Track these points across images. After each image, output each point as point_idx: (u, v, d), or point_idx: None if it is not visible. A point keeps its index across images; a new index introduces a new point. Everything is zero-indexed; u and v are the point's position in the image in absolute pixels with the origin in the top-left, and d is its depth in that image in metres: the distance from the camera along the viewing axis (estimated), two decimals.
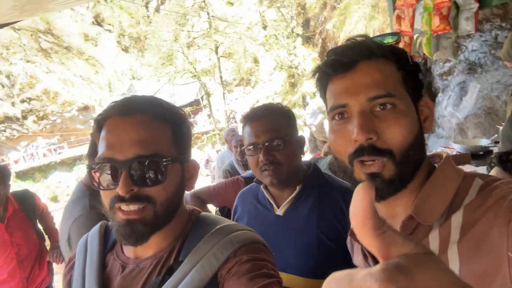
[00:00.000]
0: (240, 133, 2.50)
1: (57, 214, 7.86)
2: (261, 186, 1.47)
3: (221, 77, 22.90)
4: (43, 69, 22.95)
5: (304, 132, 13.64)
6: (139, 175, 0.78)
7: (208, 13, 23.30)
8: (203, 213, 0.95)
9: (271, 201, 1.42)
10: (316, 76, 0.84)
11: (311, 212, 1.33)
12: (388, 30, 8.14)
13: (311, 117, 13.36)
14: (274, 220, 1.39)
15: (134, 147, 0.77)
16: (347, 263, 1.30)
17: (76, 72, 25.02)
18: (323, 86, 0.84)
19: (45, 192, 21.59)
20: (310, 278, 1.28)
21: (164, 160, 0.80)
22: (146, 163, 0.78)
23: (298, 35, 18.25)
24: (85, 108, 24.21)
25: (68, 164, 23.08)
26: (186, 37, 25.16)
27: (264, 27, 21.85)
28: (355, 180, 0.78)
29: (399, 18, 3.00)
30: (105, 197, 0.81)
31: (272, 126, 1.33)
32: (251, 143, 1.35)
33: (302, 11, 17.42)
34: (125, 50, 30.22)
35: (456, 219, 0.72)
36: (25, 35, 23.01)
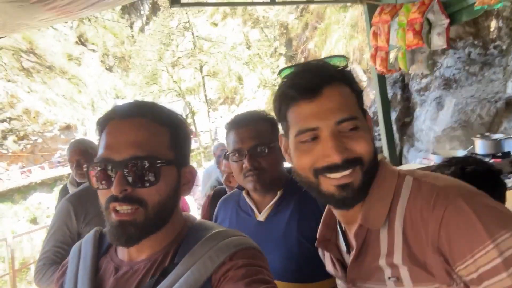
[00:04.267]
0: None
1: (37, 235, 7.56)
2: (243, 192, 1.49)
3: (205, 95, 23.01)
4: (25, 88, 22.64)
5: None
6: (133, 175, 0.79)
7: (192, 33, 23.58)
8: (198, 219, 0.97)
9: (253, 207, 1.43)
10: (278, 98, 0.88)
11: (292, 217, 1.35)
12: (367, 49, 8.43)
13: None
14: (256, 225, 1.40)
15: (130, 148, 0.80)
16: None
17: (58, 92, 24.76)
18: (284, 107, 0.87)
19: (24, 214, 20.94)
20: (292, 283, 1.29)
21: (158, 161, 0.81)
22: (140, 164, 0.79)
23: (281, 54, 18.59)
24: (67, 127, 23.86)
25: (49, 184, 22.51)
26: (170, 56, 25.30)
27: (248, 47, 22.20)
28: (323, 193, 0.84)
29: (375, 34, 3.13)
30: (102, 197, 0.82)
31: (257, 133, 1.36)
32: (235, 149, 1.37)
33: (285, 31, 17.81)
34: (109, 69, 30.15)
35: (398, 218, 0.80)
36: (7, 54, 22.76)
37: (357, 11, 8.33)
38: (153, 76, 25.02)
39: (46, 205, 21.72)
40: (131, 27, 31.86)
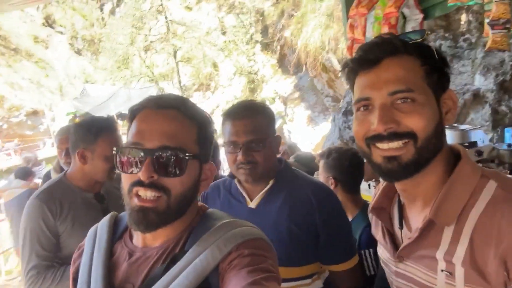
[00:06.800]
0: None
1: (3, 224, 7.39)
2: (235, 180, 1.52)
3: (179, 82, 22.62)
4: None
5: None
6: (161, 164, 0.83)
7: (166, 17, 22.99)
8: (210, 209, 1.00)
9: (244, 194, 1.48)
10: (346, 71, 0.91)
11: (283, 205, 1.40)
12: (343, 39, 8.52)
13: None
14: (247, 212, 1.44)
15: (162, 137, 0.83)
16: (316, 252, 1.41)
17: (24, 76, 23.65)
18: (351, 80, 0.91)
19: None
20: (282, 267, 1.35)
21: (186, 154, 0.85)
22: (169, 154, 0.83)
23: (257, 41, 18.49)
24: (34, 113, 22.92)
25: None
26: (143, 40, 24.61)
27: (223, 33, 21.90)
28: (373, 163, 0.86)
29: (352, 26, 3.17)
30: (126, 181, 0.86)
31: (253, 127, 1.38)
32: (231, 141, 1.39)
33: (261, 18, 17.69)
34: (78, 52, 29.01)
35: (469, 221, 0.79)
36: None
37: (333, 1, 8.38)
38: (124, 61, 24.33)
39: None
40: (101, 9, 30.66)
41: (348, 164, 1.92)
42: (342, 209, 1.51)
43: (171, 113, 0.87)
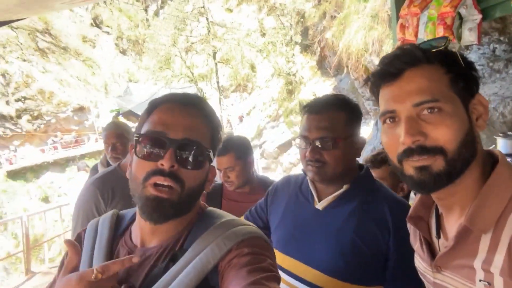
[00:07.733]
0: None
1: (48, 214, 7.70)
2: (307, 177, 1.41)
3: (218, 82, 22.94)
4: (40, 68, 22.84)
5: None
6: (183, 155, 0.84)
7: (207, 19, 23.40)
8: (209, 208, 1.00)
9: (314, 193, 1.37)
10: (369, 85, 0.91)
11: (352, 215, 1.28)
12: (387, 40, 8.27)
13: None
14: (312, 213, 1.35)
15: (185, 130, 0.85)
16: (379, 273, 1.27)
17: (72, 73, 24.91)
18: (374, 93, 0.91)
19: (37, 192, 21.35)
20: (337, 279, 1.24)
21: (207, 149, 0.88)
22: (191, 147, 0.85)
23: (296, 43, 18.39)
24: (80, 109, 24.09)
25: (61, 164, 22.86)
26: (184, 41, 25.21)
27: (263, 35, 21.98)
28: (405, 175, 0.83)
29: (403, 27, 3.05)
30: (142, 169, 0.84)
31: (327, 124, 1.26)
32: (302, 136, 1.31)
33: (301, 19, 17.57)
34: (123, 52, 30.18)
35: (508, 228, 0.75)
36: (23, 34, 22.90)
37: (378, 2, 8.15)
38: (166, 61, 25.02)
39: (58, 185, 22.12)
40: (146, 10, 31.77)
41: None
42: None
43: (194, 110, 0.90)
